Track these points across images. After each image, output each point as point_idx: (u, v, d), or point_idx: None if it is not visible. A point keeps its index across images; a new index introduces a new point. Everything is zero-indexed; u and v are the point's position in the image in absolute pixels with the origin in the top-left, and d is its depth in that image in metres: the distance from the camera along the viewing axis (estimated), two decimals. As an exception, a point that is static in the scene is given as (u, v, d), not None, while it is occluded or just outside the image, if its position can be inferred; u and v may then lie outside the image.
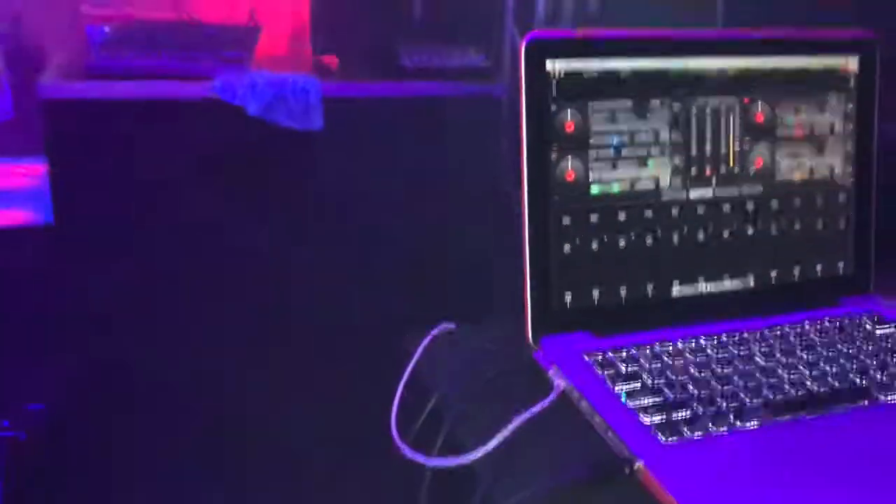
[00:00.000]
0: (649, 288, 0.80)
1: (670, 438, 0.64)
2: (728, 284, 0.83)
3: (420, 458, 0.66)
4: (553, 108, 0.75)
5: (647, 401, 0.67)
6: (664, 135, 0.79)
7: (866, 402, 0.69)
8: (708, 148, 0.81)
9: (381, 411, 0.72)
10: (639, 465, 0.61)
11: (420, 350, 0.78)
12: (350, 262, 1.78)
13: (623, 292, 0.79)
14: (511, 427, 0.65)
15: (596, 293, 0.78)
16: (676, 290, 0.81)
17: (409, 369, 0.76)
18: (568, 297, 0.77)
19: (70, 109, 1.64)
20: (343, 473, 1.53)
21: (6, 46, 4.09)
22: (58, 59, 1.80)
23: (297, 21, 2.04)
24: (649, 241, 0.79)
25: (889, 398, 0.70)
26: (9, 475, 1.31)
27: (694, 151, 0.80)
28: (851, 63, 0.85)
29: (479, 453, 0.63)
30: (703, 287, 0.82)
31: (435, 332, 0.80)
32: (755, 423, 0.66)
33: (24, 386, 1.59)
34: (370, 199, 1.78)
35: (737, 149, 0.82)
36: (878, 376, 0.72)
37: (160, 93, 1.67)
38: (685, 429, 0.65)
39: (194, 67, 1.69)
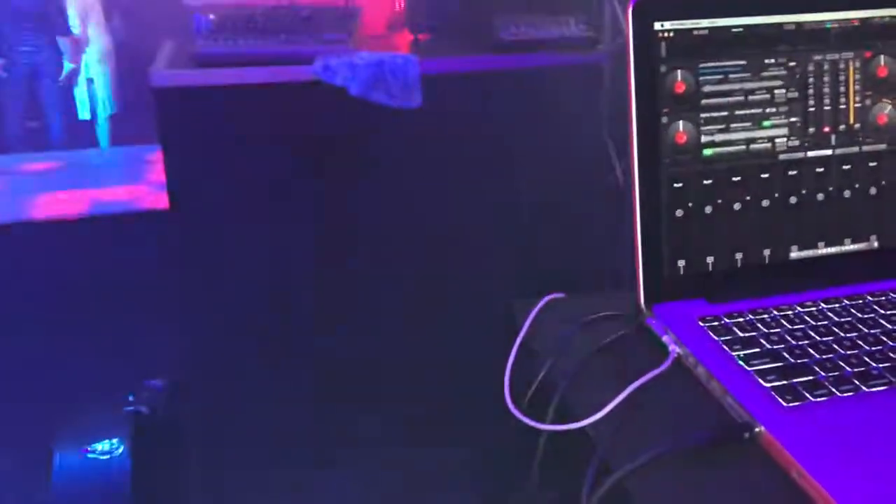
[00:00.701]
0: (766, 252, 0.77)
1: (792, 402, 0.62)
2: (849, 247, 0.79)
3: (534, 424, 0.67)
4: (662, 69, 0.73)
5: (767, 365, 0.66)
6: (780, 93, 0.76)
7: None
8: (827, 105, 0.77)
9: (494, 379, 0.72)
10: (759, 429, 0.60)
11: (530, 319, 0.78)
12: (459, 234, 1.80)
13: (738, 257, 0.77)
14: (626, 392, 0.64)
15: (710, 259, 0.76)
16: (794, 254, 0.78)
17: (520, 337, 0.76)
18: (681, 264, 0.75)
19: (180, 97, 1.71)
20: (459, 438, 1.56)
21: (117, 39, 4.24)
22: (166, 49, 1.87)
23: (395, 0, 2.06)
24: (765, 203, 0.77)
25: None
26: (135, 448, 1.38)
27: (812, 109, 0.77)
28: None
29: (593, 418, 0.63)
30: (823, 250, 0.79)
31: (545, 300, 0.80)
32: (882, 386, 0.63)
33: (147, 360, 1.68)
34: (473, 172, 1.79)
35: (857, 105, 0.78)
36: None
37: (264, 78, 1.71)
38: (807, 392, 0.63)
39: (296, 51, 1.73)
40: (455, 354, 1.66)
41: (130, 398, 1.45)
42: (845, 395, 0.63)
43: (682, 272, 0.75)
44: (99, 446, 1.35)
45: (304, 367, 1.77)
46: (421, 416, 1.70)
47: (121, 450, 1.35)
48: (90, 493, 1.32)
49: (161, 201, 2.01)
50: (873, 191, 0.79)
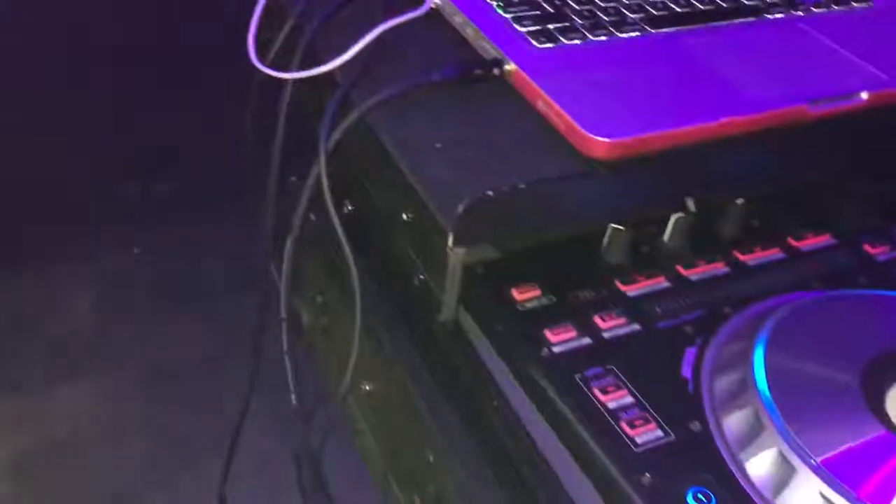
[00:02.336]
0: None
1: (545, 44, 0.60)
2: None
3: (279, 73, 0.61)
4: None
5: (524, 12, 0.63)
6: None
7: (752, 19, 0.66)
8: None
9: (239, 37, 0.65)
10: (510, 66, 0.58)
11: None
12: None
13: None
14: (374, 33, 0.59)
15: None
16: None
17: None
18: (444, -85, 0.70)
19: None
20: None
21: None
22: None
23: None
24: None
25: (774, 15, 0.67)
26: None
27: None
28: None
29: (339, 60, 0.58)
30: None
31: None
32: (634, 33, 0.63)
33: None
34: None
35: None
36: (767, -3, 0.69)
37: None
38: (560, 36, 0.61)
39: None
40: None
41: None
42: (598, 38, 0.61)
43: (446, -74, 0.70)
44: None
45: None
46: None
47: None
48: None
49: None
50: None
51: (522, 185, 0.48)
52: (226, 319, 1.19)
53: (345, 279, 0.56)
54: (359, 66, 0.58)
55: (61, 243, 1.32)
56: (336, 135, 0.54)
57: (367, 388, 0.60)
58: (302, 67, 0.60)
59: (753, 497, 0.42)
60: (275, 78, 0.61)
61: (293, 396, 0.57)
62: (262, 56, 0.63)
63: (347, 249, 0.54)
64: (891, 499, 0.41)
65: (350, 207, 0.57)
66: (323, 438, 0.63)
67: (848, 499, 0.40)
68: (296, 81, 0.60)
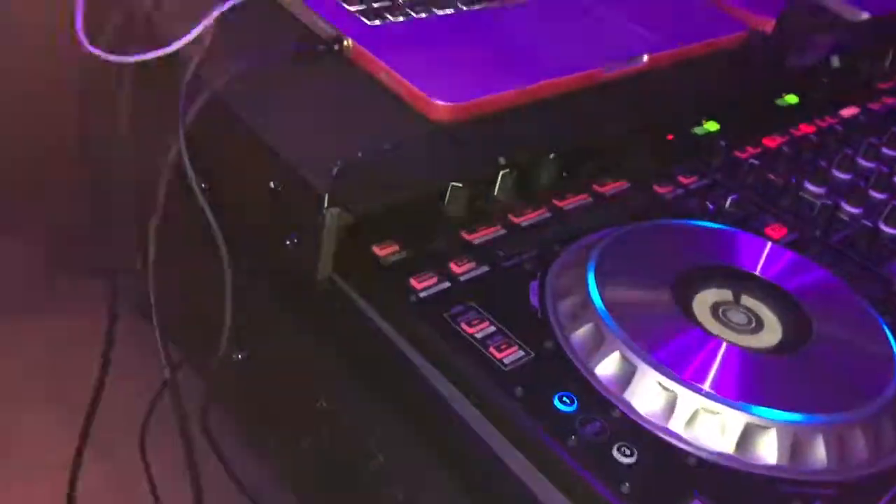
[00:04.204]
0: None
1: (375, 21, 0.65)
2: None
3: (119, 58, 0.62)
4: None
5: (351, -7, 0.68)
6: None
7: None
8: None
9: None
10: (348, 41, 0.62)
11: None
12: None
13: None
14: (214, 14, 0.62)
15: None
16: None
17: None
18: None
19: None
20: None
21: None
22: None
23: None
24: None
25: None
26: None
27: None
28: None
29: (182, 41, 0.60)
30: None
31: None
32: (450, 10, 0.69)
33: None
34: None
35: None
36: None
37: None
38: (388, 14, 0.66)
39: None
40: None
41: None
42: (420, 15, 0.68)
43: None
44: None
45: None
46: None
47: None
48: None
49: None
50: None
51: (387, 146, 0.53)
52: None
53: (209, 252, 0.58)
54: (203, 45, 0.60)
55: None
56: (193, 112, 0.56)
57: (240, 356, 0.63)
58: (141, 52, 0.61)
59: (605, 394, 0.51)
60: (112, 63, 0.61)
61: (166, 371, 0.58)
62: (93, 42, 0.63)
63: (212, 221, 0.57)
64: (706, 378, 0.51)
65: (204, 185, 0.59)
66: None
67: (677, 382, 0.50)
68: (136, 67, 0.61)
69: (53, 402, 0.88)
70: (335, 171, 0.51)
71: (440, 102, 0.57)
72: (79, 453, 0.72)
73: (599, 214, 0.67)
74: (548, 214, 0.66)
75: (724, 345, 0.53)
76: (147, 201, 0.59)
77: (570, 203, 0.67)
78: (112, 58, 0.61)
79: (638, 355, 0.51)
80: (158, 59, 0.60)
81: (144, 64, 0.61)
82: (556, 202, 0.67)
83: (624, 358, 0.52)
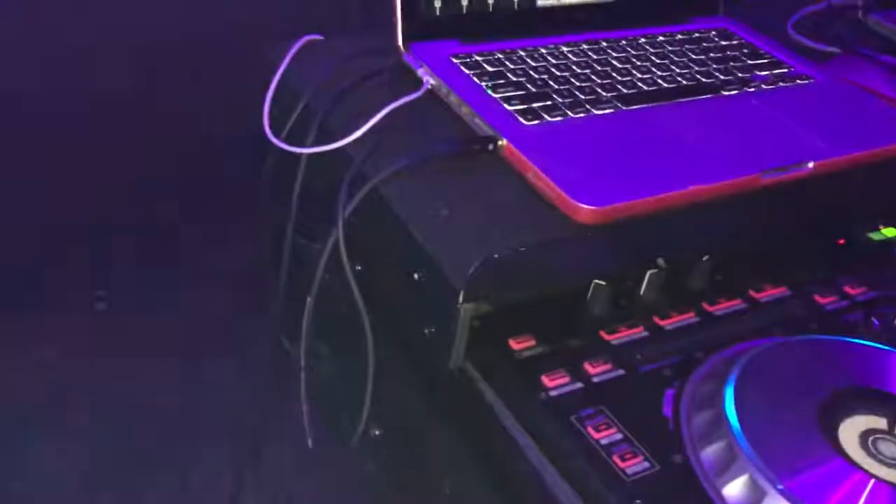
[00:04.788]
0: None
1: (532, 121, 0.68)
2: (590, -2, 0.85)
3: (294, 149, 0.68)
4: None
5: (511, 92, 0.71)
6: None
7: (710, 95, 0.75)
8: None
9: (255, 118, 0.72)
10: (502, 141, 0.65)
11: (287, 59, 0.77)
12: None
13: (490, 1, 0.80)
14: (382, 113, 0.67)
15: (464, 1, 0.79)
16: (541, 1, 0.83)
17: (277, 76, 0.76)
18: (437, 4, 0.77)
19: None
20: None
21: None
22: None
23: None
24: (515, -52, 0.80)
25: (730, 92, 0.76)
26: None
27: None
28: None
29: (351, 137, 0.65)
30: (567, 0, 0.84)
31: (302, 41, 0.79)
32: (608, 109, 0.71)
33: None
34: None
35: None
36: (721, 76, 0.78)
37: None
38: (544, 113, 0.69)
39: None
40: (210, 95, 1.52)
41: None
42: (577, 115, 0.69)
43: (438, 13, 0.78)
44: None
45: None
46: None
47: None
48: None
49: None
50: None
51: (523, 249, 0.55)
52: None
53: (355, 332, 0.62)
54: (369, 141, 0.65)
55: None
56: (353, 203, 0.60)
57: (377, 432, 0.66)
58: (315, 144, 0.67)
59: (730, 518, 0.49)
60: (288, 153, 0.68)
61: (309, 441, 0.62)
62: (275, 133, 0.70)
63: (361, 304, 0.60)
64: (845, 516, 0.48)
65: (359, 267, 0.63)
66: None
67: (809, 517, 0.47)
68: (310, 157, 0.67)
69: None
70: (472, 269, 0.53)
71: (584, 206, 0.58)
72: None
73: (751, 323, 0.65)
74: (695, 319, 0.65)
75: (871, 481, 0.50)
76: (303, 281, 0.63)
77: (720, 308, 0.66)
78: (291, 148, 0.68)
79: (769, 481, 0.49)
80: (328, 152, 0.65)
81: (319, 156, 0.67)
82: (705, 306, 0.66)
83: (753, 482, 0.50)
